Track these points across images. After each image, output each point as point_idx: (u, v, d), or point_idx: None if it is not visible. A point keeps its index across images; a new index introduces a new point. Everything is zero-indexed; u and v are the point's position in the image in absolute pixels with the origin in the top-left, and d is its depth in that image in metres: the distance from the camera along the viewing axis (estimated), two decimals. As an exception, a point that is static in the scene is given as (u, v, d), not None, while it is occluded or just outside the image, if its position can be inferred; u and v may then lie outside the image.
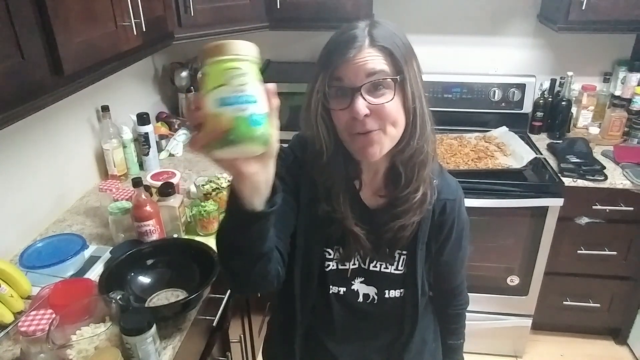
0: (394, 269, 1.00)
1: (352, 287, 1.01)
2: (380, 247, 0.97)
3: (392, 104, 0.82)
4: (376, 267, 1.00)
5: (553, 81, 2.33)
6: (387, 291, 1.01)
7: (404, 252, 0.99)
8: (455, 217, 1.00)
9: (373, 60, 0.81)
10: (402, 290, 1.01)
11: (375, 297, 1.01)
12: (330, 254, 0.98)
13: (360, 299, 1.01)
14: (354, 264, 0.99)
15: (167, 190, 1.49)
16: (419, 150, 0.88)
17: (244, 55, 0.60)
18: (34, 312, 1.09)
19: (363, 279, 1.00)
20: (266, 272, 0.82)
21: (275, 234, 0.80)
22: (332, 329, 1.05)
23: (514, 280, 2.15)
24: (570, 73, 2.25)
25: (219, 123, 0.57)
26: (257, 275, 0.82)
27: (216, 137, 0.58)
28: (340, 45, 0.83)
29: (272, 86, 0.63)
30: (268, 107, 0.61)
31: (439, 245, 1.01)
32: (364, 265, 1.00)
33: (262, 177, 0.68)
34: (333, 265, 0.99)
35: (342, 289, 1.01)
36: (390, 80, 0.82)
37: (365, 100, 0.81)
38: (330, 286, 1.00)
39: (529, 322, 2.23)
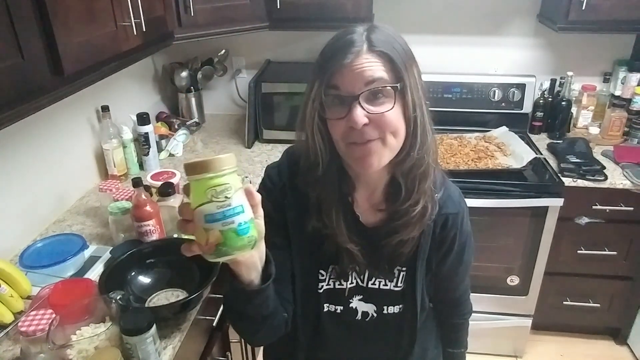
0: (394, 286, 0.97)
1: (351, 305, 0.98)
2: (379, 264, 0.94)
3: (392, 113, 0.78)
4: (375, 284, 0.97)
5: (553, 81, 2.32)
6: (386, 307, 0.99)
7: (404, 269, 0.96)
8: (457, 231, 0.96)
9: (372, 67, 0.77)
10: (401, 305, 0.99)
11: (375, 315, 0.99)
12: (323, 275, 0.96)
13: (359, 316, 0.99)
14: (352, 283, 0.97)
15: (167, 190, 1.49)
16: (420, 161, 0.84)
17: (224, 170, 0.61)
18: (34, 312, 1.09)
19: (362, 296, 0.98)
20: (274, 326, 0.90)
21: (275, 287, 0.84)
22: (327, 346, 1.03)
23: (514, 280, 2.15)
24: (570, 73, 2.24)
25: (209, 237, 0.61)
26: (266, 331, 0.90)
27: (209, 249, 0.62)
28: (336, 51, 0.78)
29: (250, 187, 0.67)
30: (251, 210, 0.65)
31: (439, 260, 0.98)
32: (362, 283, 0.97)
33: (255, 258, 0.75)
34: (330, 284, 0.97)
35: (340, 307, 0.98)
36: (389, 88, 0.78)
37: (364, 109, 0.77)
38: (325, 305, 0.98)
39: (529, 322, 2.23)
